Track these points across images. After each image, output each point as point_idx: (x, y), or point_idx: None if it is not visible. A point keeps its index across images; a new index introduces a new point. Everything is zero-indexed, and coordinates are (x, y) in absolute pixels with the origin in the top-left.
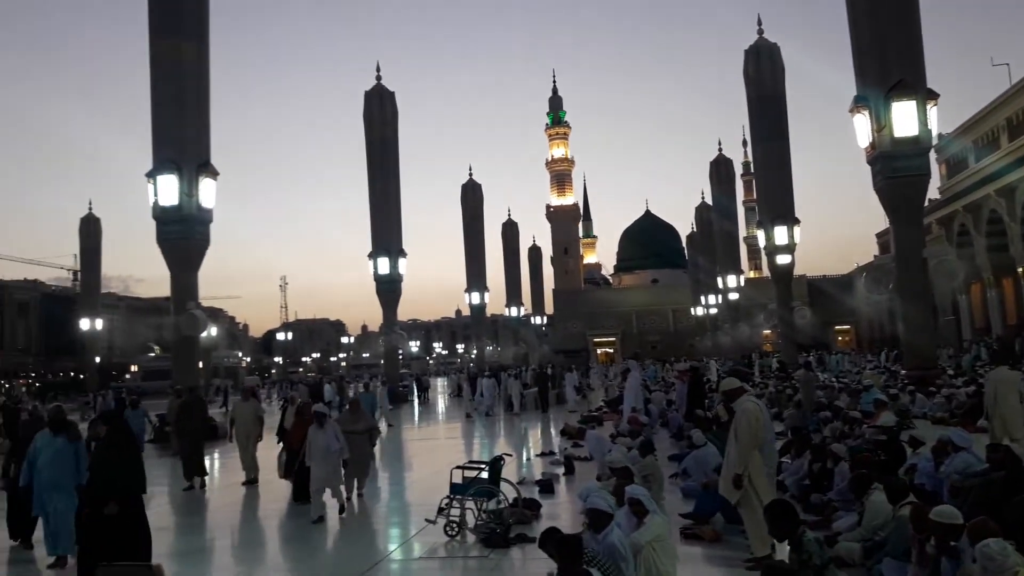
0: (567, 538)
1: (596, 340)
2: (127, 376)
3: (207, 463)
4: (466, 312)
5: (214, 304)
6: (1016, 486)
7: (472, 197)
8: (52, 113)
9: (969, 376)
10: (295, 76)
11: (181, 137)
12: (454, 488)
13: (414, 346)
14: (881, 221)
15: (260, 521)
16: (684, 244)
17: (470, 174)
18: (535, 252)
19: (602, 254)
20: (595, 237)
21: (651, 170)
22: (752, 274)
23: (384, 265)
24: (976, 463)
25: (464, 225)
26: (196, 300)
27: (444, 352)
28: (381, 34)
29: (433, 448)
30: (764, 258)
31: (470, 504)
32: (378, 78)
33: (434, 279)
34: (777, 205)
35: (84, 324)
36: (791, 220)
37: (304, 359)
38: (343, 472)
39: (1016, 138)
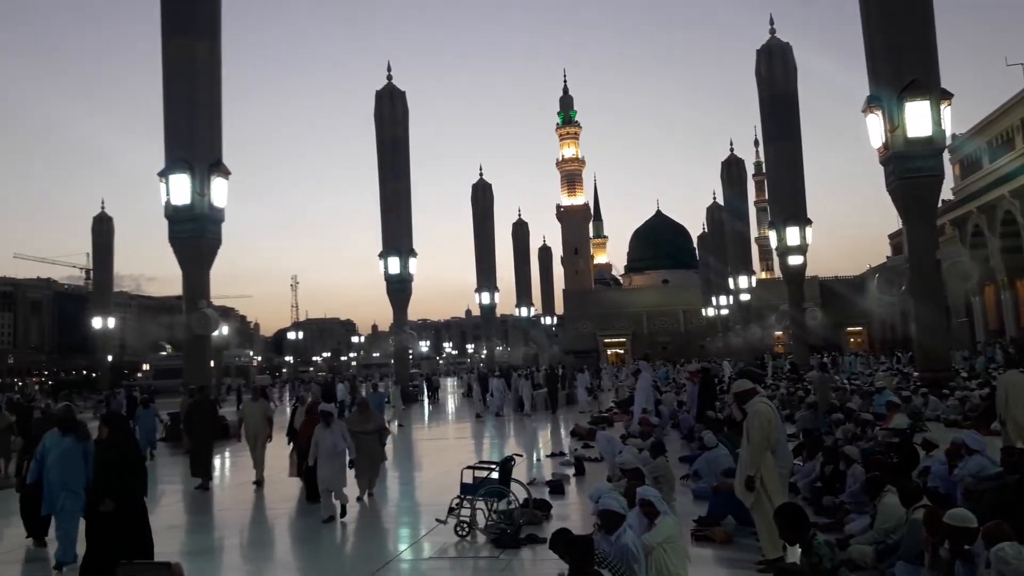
0: (578, 539)
1: (606, 341)
2: (139, 375)
3: (217, 462)
4: (476, 312)
5: (225, 303)
6: None
7: (482, 197)
8: (65, 113)
9: (983, 379)
10: (307, 76)
11: (193, 136)
12: (465, 488)
13: (424, 346)
14: (894, 222)
15: (270, 520)
16: (695, 244)
17: (480, 174)
18: (545, 252)
19: (612, 254)
20: (605, 237)
21: (662, 170)
22: (764, 275)
23: (394, 265)
24: (990, 466)
25: (474, 225)
26: (208, 299)
27: (454, 352)
28: (392, 34)
29: (443, 448)
30: (776, 259)
31: (481, 504)
32: (389, 78)
33: (444, 279)
34: (789, 205)
35: (96, 323)
36: (803, 221)
37: (315, 358)
38: (349, 473)
39: None
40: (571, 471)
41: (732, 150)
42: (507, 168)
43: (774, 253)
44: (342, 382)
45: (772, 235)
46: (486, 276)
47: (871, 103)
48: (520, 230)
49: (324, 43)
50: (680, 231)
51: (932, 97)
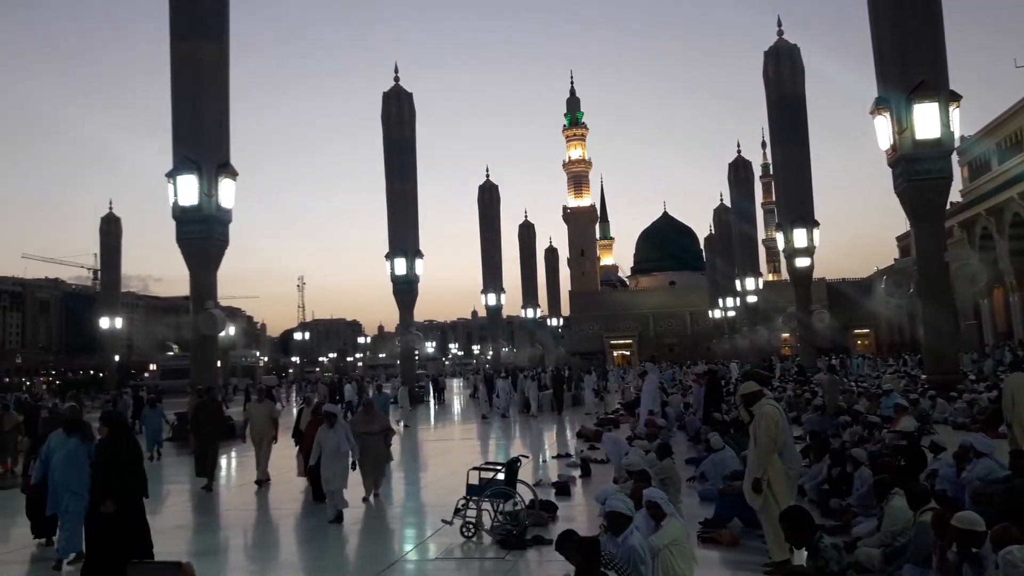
0: (585, 540)
1: (612, 342)
2: (146, 375)
3: (223, 462)
4: (482, 313)
5: (232, 304)
6: None
7: (489, 198)
8: (73, 114)
9: (991, 381)
10: (314, 77)
11: (201, 138)
12: (470, 489)
13: (430, 347)
14: (901, 224)
15: (276, 521)
16: (702, 246)
17: (487, 175)
18: (552, 253)
19: (619, 256)
20: (612, 239)
21: (669, 172)
22: (771, 277)
23: (401, 266)
24: (998, 469)
25: (481, 226)
26: (214, 299)
27: (460, 353)
28: (399, 35)
29: (449, 449)
30: (783, 261)
31: (486, 505)
32: (396, 79)
33: (450, 280)
34: (796, 207)
35: (104, 323)
36: (810, 222)
37: (321, 359)
38: (354, 475)
39: None
40: (577, 472)
41: (739, 152)
42: (514, 169)
43: (781, 255)
44: (349, 383)
45: (779, 237)
46: (492, 277)
47: (879, 105)
48: (526, 231)
49: (331, 45)
50: (687, 233)
51: (941, 99)
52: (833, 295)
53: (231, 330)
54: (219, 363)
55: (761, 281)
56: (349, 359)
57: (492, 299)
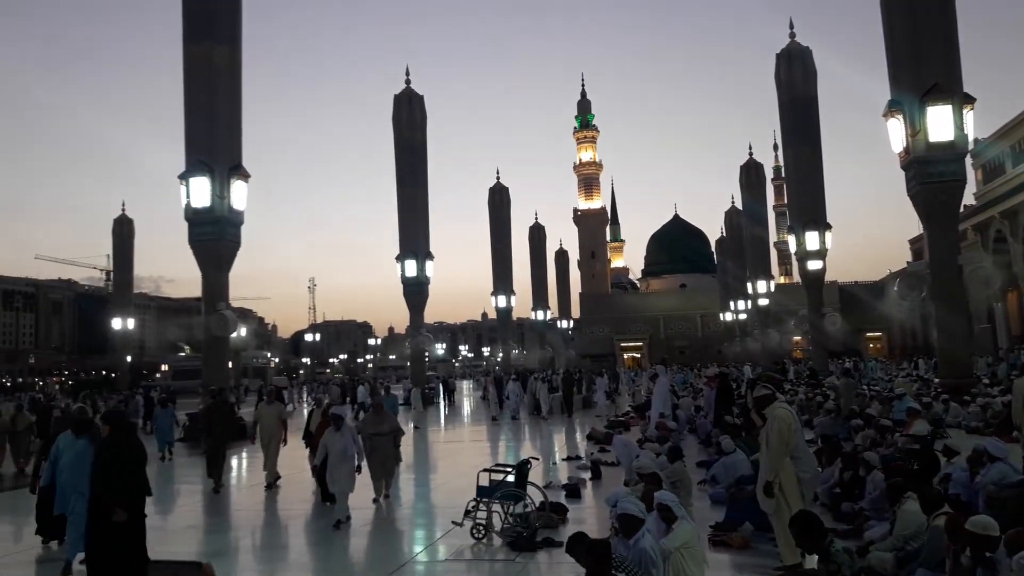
0: (596, 543)
1: (623, 345)
2: (157, 375)
3: (234, 463)
4: (492, 315)
5: (244, 305)
6: None
7: (499, 200)
8: (87, 117)
9: (1006, 385)
10: (325, 80)
11: (213, 140)
12: (481, 491)
13: (440, 348)
14: (914, 227)
15: (285, 522)
16: (713, 249)
17: (497, 177)
18: (562, 256)
19: (629, 258)
20: (623, 241)
21: (680, 174)
22: (782, 280)
23: (411, 268)
24: (1012, 474)
25: (491, 228)
26: (226, 301)
27: (470, 355)
28: (411, 38)
29: (459, 451)
30: (795, 263)
31: (497, 507)
32: (407, 82)
33: (461, 282)
34: (808, 210)
35: (116, 323)
36: (822, 225)
37: (331, 360)
38: (361, 478)
39: None
40: (587, 475)
41: (751, 154)
42: (524, 172)
43: (793, 258)
44: (362, 384)
45: (791, 239)
46: (502, 279)
47: (892, 107)
48: (537, 233)
49: (343, 48)
50: (698, 235)
51: (954, 101)
52: (845, 298)
53: (242, 331)
54: (230, 364)
55: (772, 284)
56: (359, 360)
57: (502, 301)
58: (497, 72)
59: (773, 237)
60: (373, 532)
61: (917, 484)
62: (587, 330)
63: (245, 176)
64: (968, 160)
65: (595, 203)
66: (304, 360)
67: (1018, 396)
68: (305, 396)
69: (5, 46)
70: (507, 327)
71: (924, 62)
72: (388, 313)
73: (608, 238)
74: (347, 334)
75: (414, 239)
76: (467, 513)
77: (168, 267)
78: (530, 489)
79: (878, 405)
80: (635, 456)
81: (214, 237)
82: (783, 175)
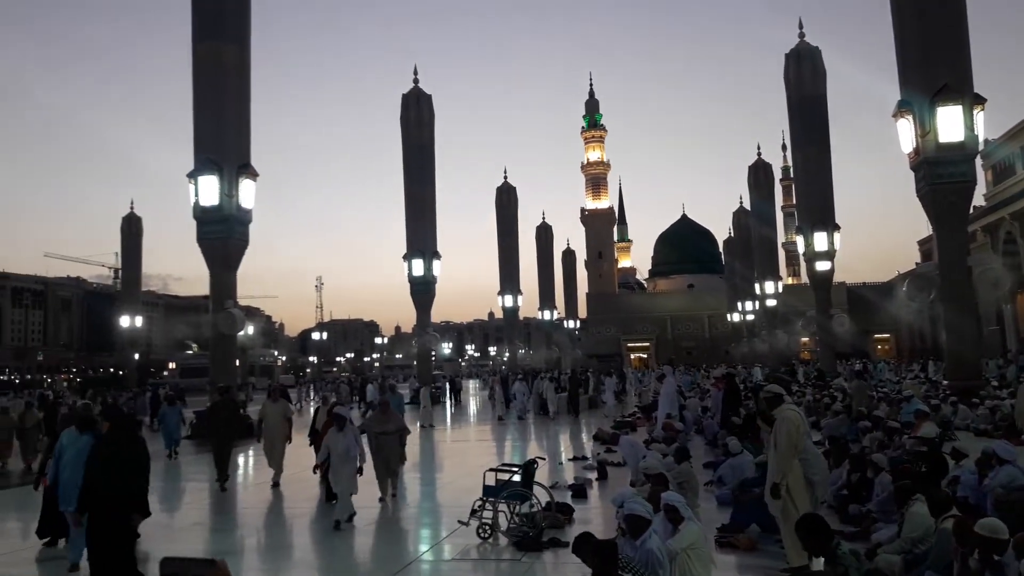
0: (603, 543)
1: (630, 345)
2: (165, 373)
3: (240, 461)
4: (499, 315)
5: (251, 303)
6: None
7: (507, 200)
8: (96, 115)
9: (1015, 388)
10: (334, 79)
11: (222, 139)
12: (487, 490)
13: (447, 348)
14: (923, 228)
15: (291, 520)
16: (721, 249)
17: (505, 177)
18: (569, 255)
19: (637, 258)
20: (630, 241)
21: (688, 174)
22: (790, 280)
23: (418, 267)
24: (1021, 476)
25: (498, 228)
26: (234, 299)
27: (476, 354)
28: (419, 37)
29: (465, 450)
30: (803, 264)
31: (503, 507)
32: (415, 81)
33: (468, 281)
34: (817, 210)
35: (124, 321)
36: (831, 226)
37: (338, 359)
38: (366, 477)
39: None
40: (593, 475)
41: (759, 154)
42: (532, 171)
43: (801, 258)
44: (372, 382)
45: (799, 240)
46: (509, 279)
47: (902, 107)
48: (544, 233)
49: (352, 47)
50: (706, 235)
51: (965, 101)
52: (853, 299)
53: (250, 329)
54: (238, 362)
55: (780, 285)
56: (366, 359)
57: (509, 301)
58: (505, 72)
59: (781, 238)
60: (379, 531)
61: (925, 486)
62: (594, 330)
63: (253, 175)
64: (978, 161)
65: (603, 203)
66: (311, 359)
67: (1022, 399)
68: (312, 395)
69: (14, 46)
70: (514, 327)
71: (934, 62)
72: (395, 312)
73: (615, 238)
74: (354, 333)
75: (421, 238)
76: (473, 512)
77: (176, 265)
78: (536, 489)
79: (886, 407)
80: (642, 457)
81: (222, 235)
82: (791, 175)
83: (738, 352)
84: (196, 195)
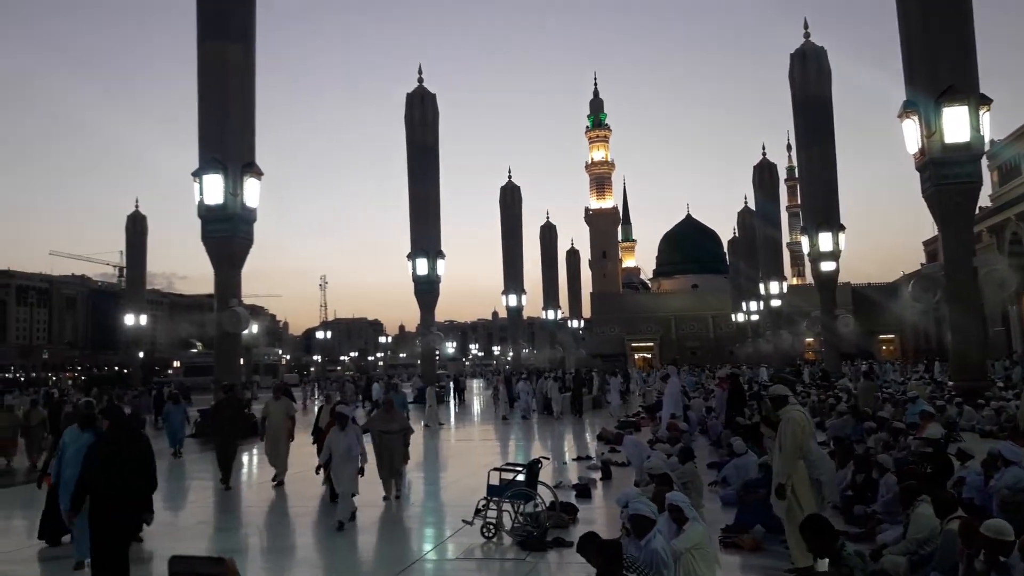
0: (607, 543)
1: (634, 345)
2: (169, 371)
3: (245, 460)
4: (503, 314)
5: (256, 302)
6: None
7: (511, 199)
8: (101, 114)
9: (1020, 389)
10: (338, 78)
11: (226, 138)
12: (491, 490)
13: (451, 347)
14: (928, 228)
15: (295, 519)
16: (725, 249)
17: (509, 176)
18: (573, 255)
19: (641, 258)
20: (634, 241)
21: (692, 174)
22: (795, 281)
23: (422, 266)
24: None
25: (502, 227)
26: (238, 298)
27: (480, 354)
28: (423, 37)
29: (469, 449)
30: (808, 265)
31: (507, 506)
32: (420, 80)
33: (472, 281)
34: (822, 211)
35: (129, 320)
36: (836, 226)
37: (342, 358)
38: (369, 477)
39: None
40: (597, 475)
41: (764, 154)
42: (536, 171)
43: (806, 259)
44: (377, 381)
45: (804, 240)
46: (513, 278)
47: (907, 108)
48: (548, 233)
49: (356, 46)
50: (710, 235)
51: (970, 102)
52: (858, 300)
53: (254, 328)
54: (242, 361)
55: (785, 285)
56: (370, 358)
57: (513, 300)
58: (509, 71)
59: (786, 238)
60: (383, 530)
61: (931, 488)
62: (598, 330)
63: (258, 174)
64: (984, 162)
65: (607, 203)
66: (315, 357)
67: None
68: (316, 393)
69: (19, 46)
70: (518, 326)
71: (940, 63)
72: (399, 311)
73: (620, 238)
74: (358, 332)
75: (425, 237)
76: (477, 512)
77: (181, 264)
78: (540, 489)
79: (891, 408)
80: (646, 457)
81: (227, 234)
82: (796, 176)
83: (742, 352)
84: (201, 194)
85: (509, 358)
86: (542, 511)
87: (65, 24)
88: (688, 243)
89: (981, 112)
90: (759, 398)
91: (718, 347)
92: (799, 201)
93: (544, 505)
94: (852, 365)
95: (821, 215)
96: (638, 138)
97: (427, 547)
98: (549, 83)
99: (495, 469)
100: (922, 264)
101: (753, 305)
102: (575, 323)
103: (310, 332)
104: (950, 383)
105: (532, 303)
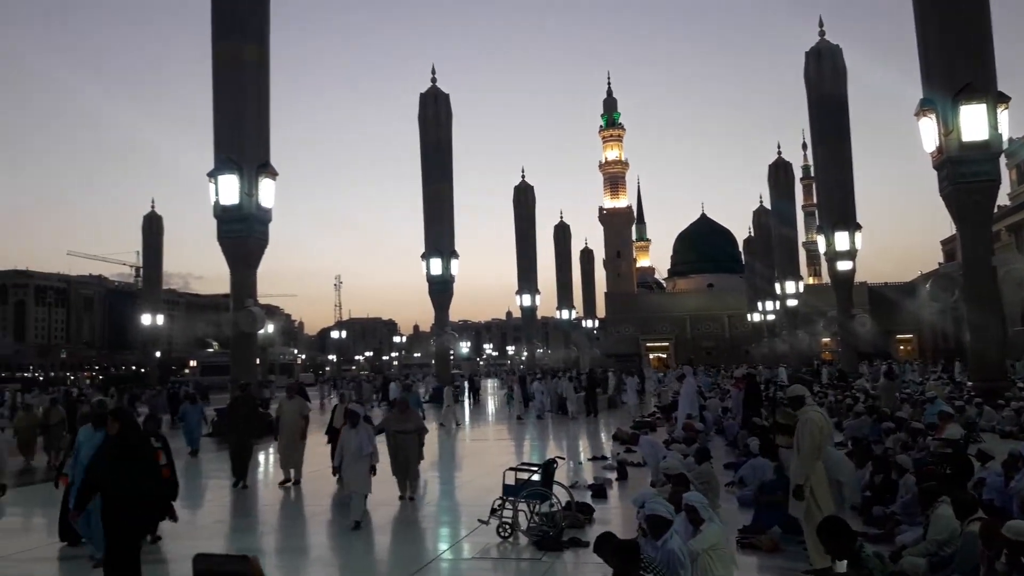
0: (624, 543)
1: (649, 345)
2: (186, 371)
3: (260, 459)
4: (517, 314)
5: (271, 302)
6: None
7: (525, 199)
8: (117, 115)
9: None
10: (352, 78)
11: (242, 138)
12: (507, 490)
13: (465, 347)
14: (946, 227)
15: (311, 518)
16: (741, 249)
17: (523, 176)
18: (587, 255)
19: (656, 258)
20: (649, 240)
21: (707, 173)
22: (811, 280)
23: (436, 266)
24: None
25: (516, 227)
26: (254, 297)
27: (494, 353)
28: (437, 37)
29: (484, 449)
30: (824, 264)
31: (523, 506)
32: (433, 80)
33: (486, 280)
34: (838, 210)
35: (146, 319)
36: (852, 225)
37: (357, 357)
38: (381, 476)
39: None
40: (613, 475)
41: (780, 153)
42: (549, 170)
43: (822, 258)
44: (394, 381)
45: (820, 240)
46: (527, 278)
47: (924, 106)
48: (562, 232)
49: (370, 46)
50: (725, 235)
51: (988, 100)
52: (875, 299)
53: (270, 328)
54: (258, 360)
55: (801, 284)
56: (385, 358)
57: (527, 300)
58: (522, 71)
59: (802, 237)
60: (398, 529)
61: (950, 488)
62: (612, 330)
63: (273, 174)
64: (1002, 160)
65: (621, 202)
66: (330, 357)
67: None
68: (332, 393)
69: (36, 47)
70: (532, 326)
71: (957, 60)
72: (413, 311)
73: (634, 237)
74: (372, 332)
75: (439, 237)
76: (493, 511)
77: (197, 264)
78: (556, 489)
79: (909, 408)
80: (663, 457)
81: (242, 234)
82: (812, 174)
83: (758, 352)
84: (216, 194)
85: (523, 358)
86: (558, 511)
87: (82, 25)
88: (703, 242)
89: (999, 110)
90: (773, 403)
91: (734, 347)
92: (815, 200)
93: (560, 505)
94: (871, 365)
95: (837, 214)
96: (652, 137)
97: (443, 547)
98: (562, 82)
99: (510, 469)
100: (940, 263)
101: (769, 305)
102: (589, 323)
103: (325, 332)
104: (969, 383)
105: (546, 303)
